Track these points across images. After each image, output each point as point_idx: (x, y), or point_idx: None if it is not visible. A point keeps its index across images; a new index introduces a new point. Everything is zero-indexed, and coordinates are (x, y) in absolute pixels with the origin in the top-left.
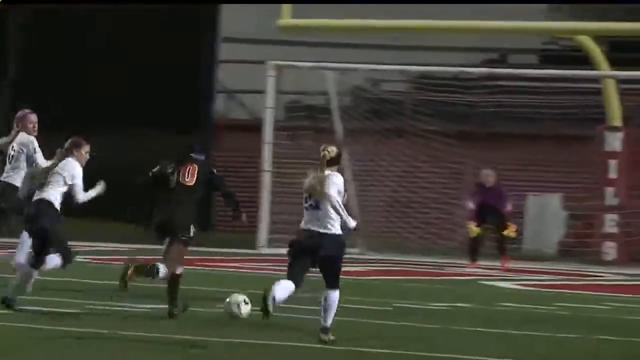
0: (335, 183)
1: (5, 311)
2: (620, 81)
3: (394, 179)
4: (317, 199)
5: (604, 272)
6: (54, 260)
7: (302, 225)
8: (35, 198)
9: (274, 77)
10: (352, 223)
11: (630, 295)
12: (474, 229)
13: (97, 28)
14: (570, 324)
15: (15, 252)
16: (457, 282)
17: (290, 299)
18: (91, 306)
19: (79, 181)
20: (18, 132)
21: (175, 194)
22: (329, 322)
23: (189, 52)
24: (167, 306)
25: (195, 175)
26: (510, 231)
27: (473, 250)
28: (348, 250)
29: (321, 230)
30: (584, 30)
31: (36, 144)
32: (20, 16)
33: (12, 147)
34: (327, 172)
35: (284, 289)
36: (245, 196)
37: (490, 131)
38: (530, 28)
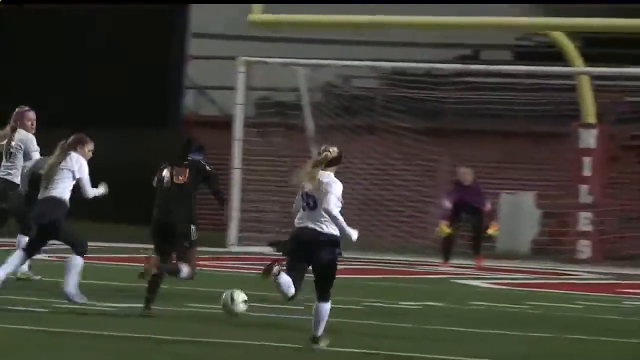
0: (334, 193)
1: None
2: (594, 77)
3: (366, 177)
4: (315, 199)
5: (578, 271)
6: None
7: (297, 223)
8: (43, 196)
9: (244, 73)
10: (354, 235)
11: (604, 294)
12: (444, 228)
13: (69, 26)
14: (543, 323)
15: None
16: (430, 280)
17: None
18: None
19: (86, 175)
20: (15, 128)
21: (171, 194)
22: (320, 332)
23: (158, 48)
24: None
25: (187, 175)
26: (493, 230)
27: (446, 249)
28: None
29: (317, 229)
30: (558, 26)
31: (35, 142)
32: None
33: (11, 143)
34: (327, 172)
35: (288, 280)
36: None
37: (463, 128)
38: (503, 24)
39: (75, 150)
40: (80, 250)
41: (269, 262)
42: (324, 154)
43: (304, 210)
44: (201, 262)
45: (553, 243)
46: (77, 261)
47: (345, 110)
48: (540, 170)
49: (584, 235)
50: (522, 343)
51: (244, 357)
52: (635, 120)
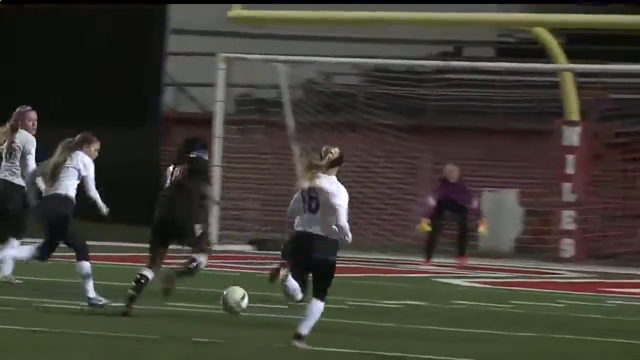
0: (344, 206)
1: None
2: (577, 74)
3: (347, 174)
4: (317, 202)
5: (561, 270)
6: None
7: (298, 226)
8: (48, 193)
9: (224, 70)
10: (350, 239)
11: (587, 293)
12: (425, 226)
13: (47, 23)
14: (526, 322)
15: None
16: (411, 279)
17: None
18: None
19: (91, 174)
20: (15, 128)
21: (171, 192)
22: (306, 330)
23: (137, 45)
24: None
25: (187, 173)
26: (483, 227)
27: (429, 247)
28: None
29: (319, 233)
30: (541, 23)
31: (34, 144)
32: None
33: (12, 144)
34: (330, 176)
35: (295, 285)
36: None
37: (445, 125)
38: (486, 20)
39: (81, 149)
40: (85, 256)
41: (275, 267)
42: (326, 155)
43: (304, 212)
44: (182, 261)
45: (536, 242)
46: (87, 266)
47: (326, 107)
48: (523, 168)
49: (567, 233)
50: (505, 342)
51: (244, 357)
52: (619, 117)
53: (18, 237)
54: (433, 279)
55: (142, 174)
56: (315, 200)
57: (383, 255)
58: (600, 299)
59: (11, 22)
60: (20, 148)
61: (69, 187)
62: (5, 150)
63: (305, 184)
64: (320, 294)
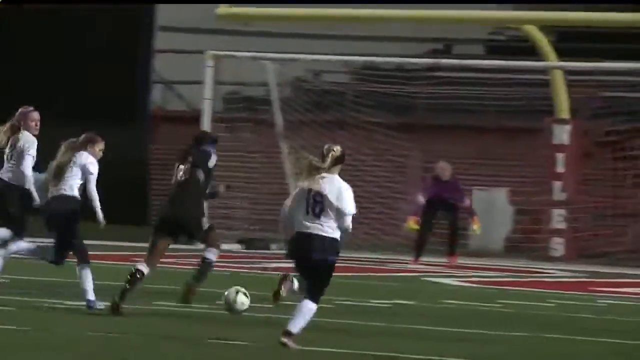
0: (350, 206)
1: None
2: (568, 72)
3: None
4: (322, 205)
5: (552, 269)
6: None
7: (300, 227)
8: (53, 194)
9: (212, 68)
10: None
11: (576, 292)
12: (412, 224)
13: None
14: (516, 322)
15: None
16: (400, 278)
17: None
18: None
19: (95, 174)
20: (17, 128)
21: (176, 190)
22: (295, 329)
23: (125, 42)
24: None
25: (189, 171)
26: (477, 226)
27: (419, 246)
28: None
29: (322, 234)
30: (531, 20)
31: (35, 146)
32: None
33: (15, 145)
34: (334, 175)
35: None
36: None
37: (435, 123)
38: (476, 18)
39: (85, 149)
40: (86, 258)
41: (283, 274)
42: (329, 153)
43: (307, 213)
44: (170, 260)
45: (526, 240)
46: (88, 270)
47: (315, 105)
48: (513, 167)
49: (558, 232)
50: (496, 342)
51: (243, 358)
52: (610, 115)
53: (20, 237)
54: (422, 278)
55: (130, 172)
56: (320, 205)
57: (372, 254)
58: (591, 298)
59: (9, 22)
60: (20, 148)
61: (73, 186)
62: (7, 152)
63: (308, 185)
64: (314, 295)
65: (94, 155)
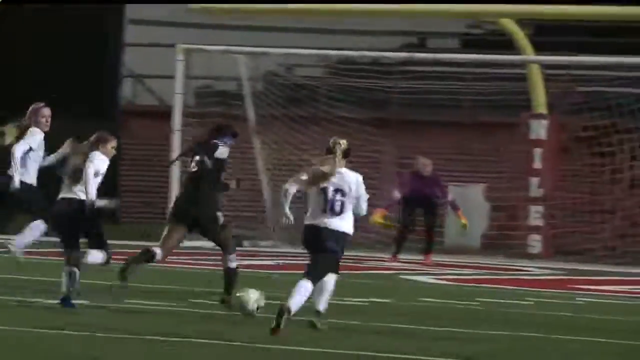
0: (364, 197)
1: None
2: (545, 66)
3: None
4: (343, 203)
5: (529, 266)
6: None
7: (318, 222)
8: (67, 195)
9: (183, 61)
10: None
11: (555, 290)
12: (376, 218)
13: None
14: (494, 320)
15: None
16: (377, 276)
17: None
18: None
19: (102, 173)
20: (26, 126)
21: (188, 183)
22: (295, 306)
23: (94, 35)
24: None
25: (197, 164)
26: (465, 220)
27: (399, 243)
28: (263, 243)
29: (340, 229)
30: (508, 13)
31: (37, 140)
32: None
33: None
34: (346, 169)
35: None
36: (154, 186)
37: (410, 119)
38: (451, 11)
39: (97, 149)
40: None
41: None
42: (334, 146)
43: (324, 212)
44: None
45: (503, 237)
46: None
47: (288, 100)
48: (490, 162)
49: (535, 229)
50: (475, 341)
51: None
52: (587, 110)
53: (44, 221)
54: (399, 276)
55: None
56: (341, 202)
57: (348, 252)
58: (570, 296)
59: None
60: (32, 148)
61: (94, 194)
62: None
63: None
64: (315, 277)
65: (106, 154)
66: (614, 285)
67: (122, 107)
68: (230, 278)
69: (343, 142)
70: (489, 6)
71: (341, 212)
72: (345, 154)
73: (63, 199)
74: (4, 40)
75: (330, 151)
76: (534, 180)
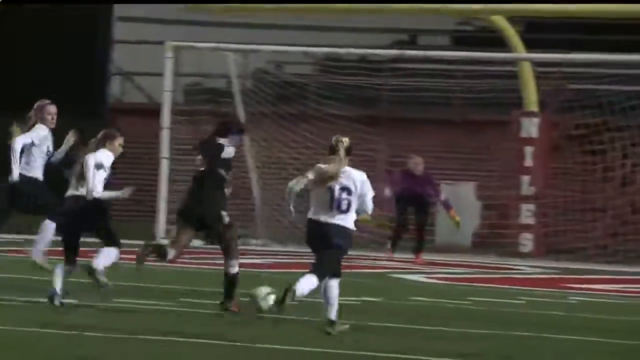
0: (370, 195)
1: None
2: (536, 64)
3: (299, 167)
4: (349, 202)
5: (521, 265)
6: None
7: (323, 218)
8: (74, 193)
9: (172, 59)
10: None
11: (547, 289)
12: (367, 217)
13: None
14: (485, 319)
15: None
16: (368, 275)
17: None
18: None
19: (106, 171)
20: (35, 123)
21: (195, 182)
22: (302, 291)
23: (83, 32)
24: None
25: (203, 162)
26: (458, 218)
27: (394, 242)
28: (251, 241)
29: (344, 226)
30: (499, 11)
31: (40, 135)
32: None
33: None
34: (350, 167)
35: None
36: (143, 184)
37: (400, 116)
38: (442, 8)
39: (104, 146)
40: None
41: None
42: (340, 145)
43: (330, 209)
44: (129, 257)
45: (494, 236)
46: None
47: (277, 97)
48: (481, 160)
49: (526, 228)
50: (467, 340)
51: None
52: (579, 108)
53: (51, 219)
54: (389, 275)
55: None
56: (347, 200)
57: None
58: (562, 295)
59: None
60: (34, 143)
61: (97, 186)
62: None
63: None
64: (320, 273)
65: (113, 151)
66: (606, 284)
67: (110, 105)
68: (230, 283)
69: (345, 140)
70: (480, 5)
71: (347, 210)
72: (348, 151)
73: (70, 196)
74: (4, 40)
75: (333, 150)
76: (525, 179)
